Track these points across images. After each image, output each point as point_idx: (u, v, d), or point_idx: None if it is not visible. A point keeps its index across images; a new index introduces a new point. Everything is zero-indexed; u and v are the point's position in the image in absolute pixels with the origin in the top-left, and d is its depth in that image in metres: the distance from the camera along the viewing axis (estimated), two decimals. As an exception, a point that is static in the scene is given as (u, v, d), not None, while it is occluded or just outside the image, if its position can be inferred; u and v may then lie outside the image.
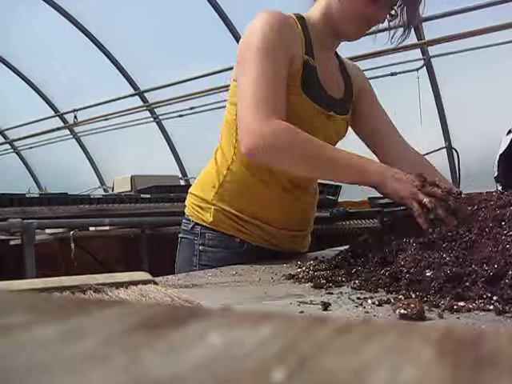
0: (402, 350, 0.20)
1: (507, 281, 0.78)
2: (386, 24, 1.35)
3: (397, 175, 1.12)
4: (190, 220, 1.41)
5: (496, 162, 2.11)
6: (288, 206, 1.35)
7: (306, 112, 1.29)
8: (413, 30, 4.19)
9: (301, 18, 1.35)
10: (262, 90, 1.17)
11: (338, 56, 1.49)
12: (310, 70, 1.30)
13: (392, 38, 1.35)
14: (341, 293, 0.93)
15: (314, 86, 1.31)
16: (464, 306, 0.75)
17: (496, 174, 2.14)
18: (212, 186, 1.36)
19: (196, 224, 1.38)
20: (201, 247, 1.34)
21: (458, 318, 0.72)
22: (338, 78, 1.44)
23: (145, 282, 0.71)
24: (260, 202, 1.33)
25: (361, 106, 1.50)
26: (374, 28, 1.34)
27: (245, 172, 1.32)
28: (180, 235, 1.44)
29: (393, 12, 1.31)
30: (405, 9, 1.30)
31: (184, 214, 1.47)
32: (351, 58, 4.34)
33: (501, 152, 2.08)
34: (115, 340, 0.22)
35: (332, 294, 0.92)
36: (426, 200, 1.04)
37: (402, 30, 1.34)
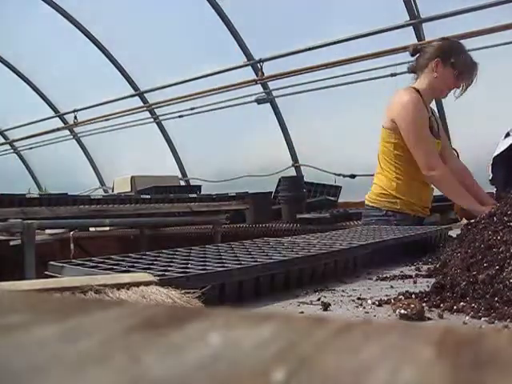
0: (402, 350, 0.20)
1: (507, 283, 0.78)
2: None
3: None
4: (381, 209, 2.33)
5: (490, 165, 2.11)
6: (427, 192, 2.39)
7: (438, 149, 2.32)
8: (413, 30, 4.20)
9: (418, 91, 2.28)
10: (430, 148, 2.25)
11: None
12: (432, 122, 2.34)
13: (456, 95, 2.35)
14: (341, 293, 0.93)
15: (434, 129, 2.33)
16: (464, 306, 0.75)
17: (490, 176, 2.14)
18: (391, 188, 2.33)
19: (388, 211, 2.31)
20: (395, 222, 2.21)
21: (458, 318, 0.72)
22: (433, 119, 2.42)
23: (147, 284, 0.70)
24: (416, 191, 2.33)
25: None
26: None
27: (408, 178, 2.33)
28: (373, 219, 2.33)
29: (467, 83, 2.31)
30: (470, 82, 2.31)
31: None
32: (353, 59, 4.34)
33: (494, 155, 2.08)
34: (115, 340, 0.22)
35: (332, 293, 0.92)
36: None
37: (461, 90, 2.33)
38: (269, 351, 0.20)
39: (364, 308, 0.81)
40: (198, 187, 4.99)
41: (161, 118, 6.22)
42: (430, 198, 2.46)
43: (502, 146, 2.05)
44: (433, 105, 3.13)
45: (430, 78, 2.28)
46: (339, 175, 4.68)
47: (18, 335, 0.22)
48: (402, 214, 2.32)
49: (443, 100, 4.17)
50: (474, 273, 0.90)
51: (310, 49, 4.51)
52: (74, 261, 0.93)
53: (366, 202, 2.44)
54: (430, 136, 2.23)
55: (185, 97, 5.52)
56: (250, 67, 5.05)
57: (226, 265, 0.90)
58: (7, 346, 0.21)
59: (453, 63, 2.24)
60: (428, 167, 2.20)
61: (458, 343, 0.21)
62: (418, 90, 2.28)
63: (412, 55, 2.39)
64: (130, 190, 4.54)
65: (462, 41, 3.75)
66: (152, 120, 6.30)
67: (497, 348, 0.20)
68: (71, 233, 3.90)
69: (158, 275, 0.77)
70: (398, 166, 2.31)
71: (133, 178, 4.59)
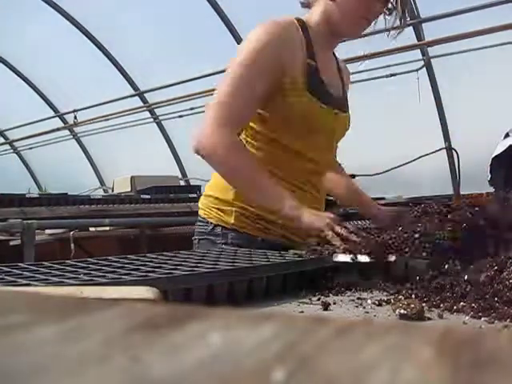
0: (403, 349, 0.20)
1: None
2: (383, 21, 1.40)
3: (313, 212, 1.24)
4: (208, 222, 1.42)
5: (489, 166, 2.12)
6: (300, 202, 1.30)
7: (311, 112, 1.34)
8: (412, 30, 4.20)
9: (301, 22, 1.40)
10: (224, 95, 1.27)
11: (335, 56, 1.54)
12: (313, 71, 1.35)
13: (389, 32, 1.39)
14: (341, 293, 0.93)
15: (318, 86, 1.36)
16: (464, 306, 0.75)
17: (489, 177, 2.15)
18: (227, 186, 1.36)
19: (216, 225, 1.40)
20: (224, 246, 1.34)
21: (458, 318, 0.72)
22: (337, 77, 1.50)
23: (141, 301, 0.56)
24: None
25: None
26: (371, 28, 1.39)
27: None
28: (197, 237, 1.46)
29: (389, 5, 1.35)
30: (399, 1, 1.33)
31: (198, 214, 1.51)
32: (351, 59, 4.34)
33: (493, 156, 2.09)
34: (115, 340, 0.22)
35: (331, 293, 0.92)
36: (338, 229, 1.16)
37: (397, 22, 1.37)
38: (269, 351, 0.20)
39: (364, 308, 0.81)
40: (198, 187, 4.98)
41: (161, 117, 6.22)
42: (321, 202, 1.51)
43: (501, 148, 2.05)
44: (432, 103, 3.09)
45: (325, 5, 1.39)
46: (339, 175, 4.67)
47: (17, 335, 0.22)
48: (240, 233, 1.37)
49: (443, 101, 4.18)
50: (475, 273, 0.90)
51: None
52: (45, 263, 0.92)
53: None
54: (251, 91, 1.27)
55: (185, 97, 5.52)
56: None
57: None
58: (7, 346, 0.21)
59: None
60: (197, 134, 1.27)
61: (458, 343, 0.21)
62: (302, 21, 1.41)
63: None
64: (129, 189, 4.53)
65: (463, 41, 3.77)
66: (152, 120, 6.30)
67: (497, 348, 0.20)
68: (71, 233, 3.89)
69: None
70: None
71: (133, 178, 4.58)
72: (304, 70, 1.34)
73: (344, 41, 1.47)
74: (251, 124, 1.35)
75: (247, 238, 1.36)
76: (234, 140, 1.27)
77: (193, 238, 1.49)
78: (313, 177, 1.42)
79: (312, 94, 1.33)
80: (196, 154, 1.27)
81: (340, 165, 1.74)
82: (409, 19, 1.43)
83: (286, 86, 1.31)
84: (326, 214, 1.25)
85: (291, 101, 1.31)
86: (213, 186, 1.45)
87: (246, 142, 1.37)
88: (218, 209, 1.40)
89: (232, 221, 1.37)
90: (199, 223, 1.47)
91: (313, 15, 1.43)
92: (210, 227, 1.41)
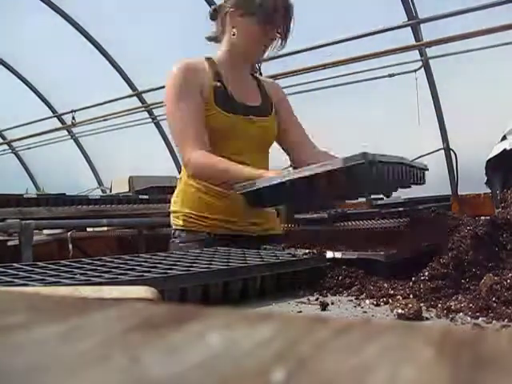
0: (402, 350, 0.20)
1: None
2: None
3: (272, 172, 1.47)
4: (172, 227, 1.75)
5: (484, 169, 2.12)
6: (230, 205, 1.61)
7: (225, 122, 1.64)
8: (411, 31, 4.20)
9: (208, 59, 1.73)
10: (183, 132, 1.61)
11: (255, 77, 1.85)
12: (220, 90, 1.66)
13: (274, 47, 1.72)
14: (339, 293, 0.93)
15: (226, 100, 1.65)
16: (462, 306, 0.76)
17: (486, 179, 2.15)
18: (175, 198, 1.75)
19: (175, 230, 1.71)
20: (180, 244, 1.66)
21: (456, 318, 0.72)
22: (253, 91, 1.78)
23: (139, 301, 0.56)
24: (208, 204, 1.66)
25: (278, 112, 1.83)
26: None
27: (188, 184, 1.70)
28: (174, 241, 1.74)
29: (277, 33, 1.69)
30: (285, 27, 1.69)
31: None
32: (349, 60, 4.33)
33: (488, 158, 2.09)
34: (115, 340, 0.22)
35: (329, 293, 0.92)
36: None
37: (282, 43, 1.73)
38: (269, 351, 0.20)
39: (362, 308, 0.81)
40: (196, 187, 4.98)
41: (159, 118, 6.21)
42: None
43: (496, 151, 2.06)
44: (430, 104, 3.09)
45: (229, 38, 1.70)
46: (337, 175, 4.67)
47: (17, 335, 0.22)
48: (189, 231, 1.67)
49: (441, 101, 4.18)
50: (472, 273, 0.90)
51: (307, 49, 4.51)
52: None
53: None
54: (190, 116, 1.60)
55: (183, 97, 5.51)
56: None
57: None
58: (7, 346, 0.21)
59: (247, 10, 1.65)
60: (184, 161, 1.61)
61: (458, 343, 0.21)
62: (208, 58, 1.73)
63: (212, 19, 1.77)
64: (127, 190, 4.53)
65: (461, 42, 3.77)
66: (150, 120, 6.29)
67: (497, 348, 0.20)
68: (69, 233, 3.89)
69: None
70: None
71: (131, 179, 4.58)
72: (211, 90, 1.64)
73: (256, 62, 1.85)
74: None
75: (195, 235, 1.66)
76: (205, 155, 1.57)
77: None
78: None
79: (219, 107, 1.63)
80: (194, 177, 1.64)
81: (315, 147, 1.91)
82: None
83: (205, 108, 1.62)
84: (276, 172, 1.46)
85: (210, 117, 1.62)
86: (173, 201, 1.78)
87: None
88: (174, 217, 1.74)
89: (181, 223, 1.69)
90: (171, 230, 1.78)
91: (219, 52, 1.75)
92: (173, 231, 1.73)
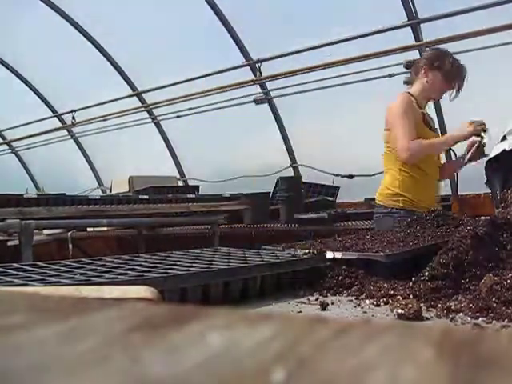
0: (402, 350, 0.20)
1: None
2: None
3: (458, 129, 2.52)
4: (387, 207, 2.52)
5: (484, 169, 2.12)
6: (433, 188, 2.64)
7: (428, 134, 2.53)
8: (411, 31, 4.19)
9: (411, 95, 2.55)
10: (405, 131, 2.43)
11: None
12: (424, 116, 2.56)
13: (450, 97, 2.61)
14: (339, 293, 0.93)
15: (427, 123, 2.58)
16: (462, 306, 0.76)
17: (486, 179, 2.15)
18: (395, 186, 2.52)
19: (392, 208, 2.49)
20: (398, 218, 2.30)
21: (456, 318, 0.72)
22: (430, 119, 2.68)
23: (139, 300, 0.55)
24: (421, 189, 2.50)
25: None
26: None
27: (410, 176, 2.52)
28: (379, 215, 2.56)
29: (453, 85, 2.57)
30: (459, 83, 2.57)
31: None
32: (349, 60, 4.33)
33: (488, 158, 2.09)
34: (115, 340, 0.22)
35: (329, 293, 0.92)
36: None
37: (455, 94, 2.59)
38: (269, 351, 0.20)
39: (362, 308, 0.81)
40: (196, 187, 4.99)
41: (159, 118, 6.22)
42: (435, 194, 2.71)
43: (496, 151, 2.06)
44: (429, 104, 3.15)
45: (422, 83, 2.59)
46: (337, 175, 4.68)
47: (18, 335, 0.22)
48: (407, 210, 2.47)
49: (441, 101, 4.18)
50: (472, 273, 0.90)
51: (307, 49, 4.51)
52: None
53: (376, 201, 2.67)
54: (412, 127, 2.45)
55: (183, 97, 5.51)
56: (248, 67, 5.05)
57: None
58: (7, 346, 0.21)
59: (438, 67, 2.54)
60: (402, 150, 2.44)
61: (458, 343, 0.21)
62: (411, 94, 2.58)
63: (407, 68, 2.75)
64: (128, 190, 4.53)
65: (461, 42, 3.78)
66: (150, 120, 6.30)
67: (497, 348, 0.20)
68: (69, 233, 3.89)
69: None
70: (399, 165, 2.53)
71: (131, 179, 4.58)
72: (422, 116, 2.53)
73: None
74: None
75: (411, 214, 2.17)
76: (417, 140, 2.44)
77: (374, 216, 2.64)
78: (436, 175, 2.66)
79: (426, 126, 2.54)
80: (407, 159, 2.45)
81: None
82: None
83: (417, 125, 2.47)
84: (465, 124, 2.46)
85: (422, 131, 2.48)
86: (384, 188, 2.58)
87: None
88: (391, 199, 2.51)
89: (401, 204, 2.48)
90: (378, 208, 2.60)
91: (415, 90, 2.58)
92: (388, 210, 2.50)
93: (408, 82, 2.69)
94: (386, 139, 2.59)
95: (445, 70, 2.54)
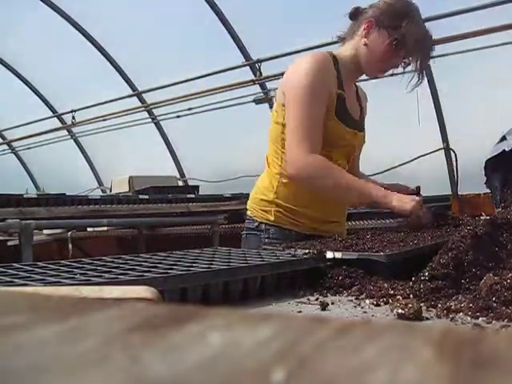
0: (402, 350, 0.20)
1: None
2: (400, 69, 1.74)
3: (400, 197, 1.50)
4: (254, 220, 1.73)
5: (483, 169, 2.12)
6: (328, 199, 1.65)
7: (339, 133, 1.65)
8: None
9: (335, 58, 1.67)
10: (305, 131, 1.54)
11: (355, 85, 1.83)
12: (341, 100, 1.65)
13: (409, 83, 1.71)
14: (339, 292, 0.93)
15: (344, 113, 1.66)
16: (462, 306, 0.76)
17: (486, 179, 2.15)
18: (270, 190, 1.70)
19: (261, 223, 1.70)
20: (266, 240, 1.66)
21: (456, 318, 0.72)
22: (356, 104, 1.78)
23: (139, 300, 0.56)
24: (309, 196, 1.65)
25: None
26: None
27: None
28: (245, 232, 1.78)
29: (406, 60, 1.67)
30: (419, 60, 1.65)
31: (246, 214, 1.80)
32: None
33: (486, 159, 2.09)
34: (115, 340, 0.22)
35: (329, 293, 0.92)
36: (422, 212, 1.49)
37: (416, 76, 1.70)
38: (269, 351, 0.20)
39: (362, 308, 0.81)
40: (196, 187, 4.98)
41: (159, 118, 6.21)
42: (342, 207, 1.78)
43: (495, 151, 2.06)
44: (430, 104, 3.08)
45: (357, 45, 1.65)
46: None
47: (18, 335, 0.22)
48: (279, 228, 1.68)
49: (441, 101, 4.18)
50: (472, 273, 0.90)
51: (307, 49, 4.51)
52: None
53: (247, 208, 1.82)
54: (318, 121, 1.56)
55: (182, 97, 5.51)
56: (248, 67, 5.05)
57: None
58: (7, 346, 0.21)
59: (393, 27, 1.59)
60: (290, 164, 1.56)
61: (458, 343, 0.21)
62: (334, 56, 1.66)
63: (350, 18, 1.72)
64: (127, 190, 4.53)
65: (461, 41, 3.77)
66: (150, 120, 6.29)
67: (497, 348, 0.20)
68: (69, 233, 3.89)
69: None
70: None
71: (131, 179, 4.58)
72: (335, 98, 1.62)
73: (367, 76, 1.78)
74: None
75: (283, 232, 1.66)
76: (321, 159, 1.56)
77: (241, 233, 1.81)
78: None
79: (338, 118, 1.64)
80: (294, 180, 1.60)
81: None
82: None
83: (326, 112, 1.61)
84: (411, 198, 1.49)
85: (327, 124, 1.61)
86: (257, 190, 1.76)
87: None
88: (262, 210, 1.72)
89: (272, 218, 1.68)
90: (248, 221, 1.77)
91: (344, 51, 1.69)
92: (256, 224, 1.72)
93: (341, 39, 1.73)
94: (275, 117, 1.68)
95: (398, 32, 1.57)
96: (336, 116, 1.62)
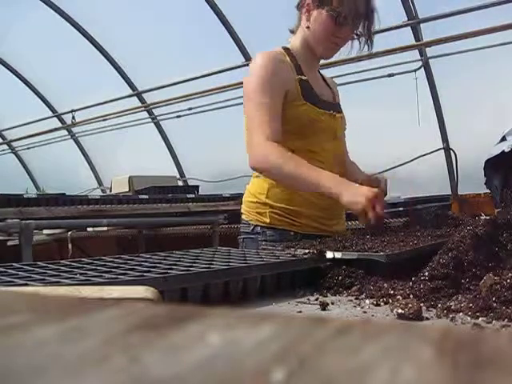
0: (402, 350, 0.20)
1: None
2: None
3: (353, 189, 1.42)
4: (249, 223, 1.70)
5: (483, 169, 2.12)
6: (324, 197, 1.53)
7: (312, 115, 1.63)
8: (411, 31, 4.20)
9: (287, 49, 1.71)
10: (258, 119, 1.57)
11: (320, 74, 1.86)
12: (306, 85, 1.66)
13: (361, 50, 1.69)
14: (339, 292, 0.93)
15: (312, 95, 1.66)
16: (462, 306, 0.76)
17: (486, 179, 2.15)
18: (262, 192, 1.67)
19: (256, 226, 1.67)
20: (264, 243, 1.60)
21: (456, 318, 0.72)
22: (324, 87, 1.80)
23: (139, 300, 0.56)
24: (300, 194, 1.62)
25: None
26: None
27: None
28: (241, 237, 1.73)
29: (357, 32, 1.65)
30: (366, 27, 1.64)
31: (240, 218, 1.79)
32: (349, 60, 4.34)
33: (486, 159, 2.09)
34: (115, 340, 0.22)
35: (329, 293, 0.92)
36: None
37: (365, 47, 1.69)
38: (269, 351, 0.20)
39: (362, 308, 0.81)
40: (196, 187, 4.99)
41: (159, 118, 6.22)
42: (338, 205, 1.50)
43: (495, 151, 2.06)
44: (430, 104, 3.10)
45: (303, 31, 1.69)
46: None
47: (18, 335, 0.22)
48: (276, 230, 1.64)
49: (441, 101, 4.18)
50: (472, 273, 0.90)
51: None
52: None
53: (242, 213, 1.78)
54: (274, 112, 1.55)
55: (183, 97, 5.51)
56: (248, 67, 5.05)
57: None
58: (7, 346, 0.21)
59: (326, 3, 1.59)
60: (250, 155, 1.58)
61: (458, 343, 0.21)
62: (287, 49, 1.71)
63: (297, 9, 1.73)
64: (127, 190, 4.53)
65: (461, 41, 3.77)
66: (150, 120, 6.30)
67: (497, 348, 0.20)
68: (69, 233, 3.90)
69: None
70: None
71: (131, 178, 4.58)
72: (297, 83, 1.63)
73: (326, 59, 1.78)
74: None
75: (281, 234, 1.62)
76: (279, 150, 1.51)
77: (238, 238, 1.76)
78: (313, 162, 1.54)
79: (308, 101, 1.63)
80: (255, 169, 1.60)
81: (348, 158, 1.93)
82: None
83: (288, 100, 1.60)
84: (364, 190, 1.39)
85: (298, 110, 1.61)
86: (248, 193, 1.75)
87: None
88: (256, 212, 1.68)
89: (268, 220, 1.65)
90: (243, 225, 1.74)
91: (294, 41, 1.73)
92: (251, 227, 1.68)
93: (292, 31, 1.76)
94: (245, 122, 1.72)
95: (336, 5, 1.57)
96: (305, 100, 1.63)
